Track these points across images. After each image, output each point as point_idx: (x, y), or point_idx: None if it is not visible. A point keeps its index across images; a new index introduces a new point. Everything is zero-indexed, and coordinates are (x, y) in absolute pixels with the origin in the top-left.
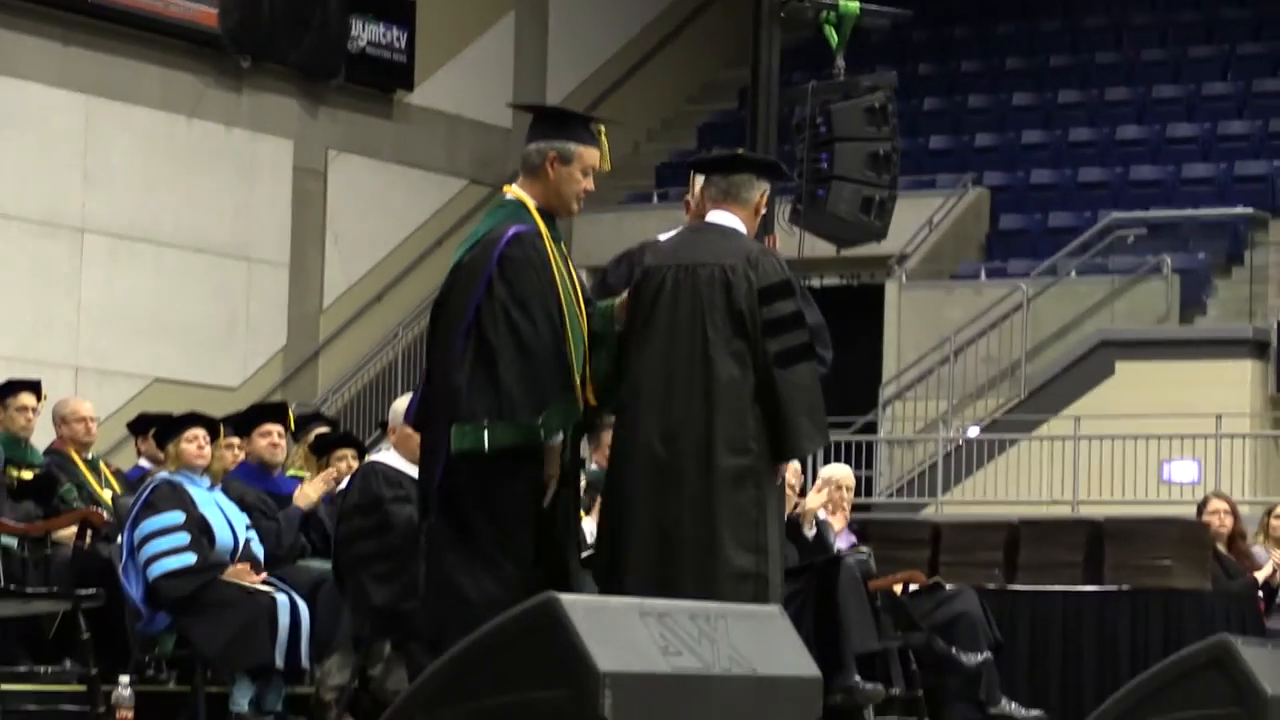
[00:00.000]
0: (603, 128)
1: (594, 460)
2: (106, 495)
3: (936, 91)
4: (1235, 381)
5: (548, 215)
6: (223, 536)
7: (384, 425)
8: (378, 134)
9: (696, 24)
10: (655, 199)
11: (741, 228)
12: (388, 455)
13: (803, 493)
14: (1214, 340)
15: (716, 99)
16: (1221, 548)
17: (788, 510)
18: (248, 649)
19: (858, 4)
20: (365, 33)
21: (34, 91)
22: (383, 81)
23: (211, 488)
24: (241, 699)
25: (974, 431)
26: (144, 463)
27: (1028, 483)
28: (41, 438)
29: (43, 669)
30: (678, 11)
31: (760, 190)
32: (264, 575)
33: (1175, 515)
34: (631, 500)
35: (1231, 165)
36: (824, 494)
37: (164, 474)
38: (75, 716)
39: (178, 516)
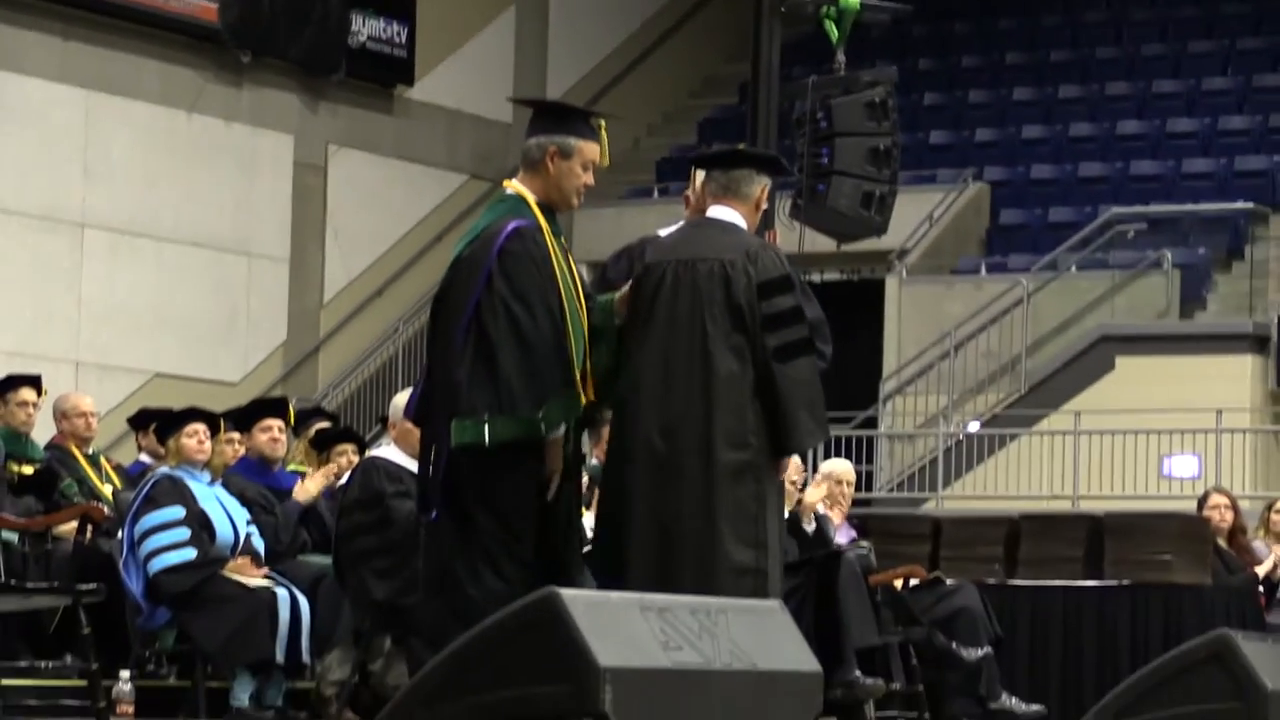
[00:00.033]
0: (603, 122)
1: (594, 455)
2: (107, 490)
3: (937, 86)
4: (1235, 376)
5: (548, 210)
6: (223, 531)
7: (384, 420)
8: (378, 129)
9: (697, 19)
10: (655, 194)
11: (742, 223)
12: (388, 450)
13: (803, 488)
14: (1214, 335)
15: (717, 94)
16: (1222, 542)
17: (789, 506)
18: (248, 644)
19: None
20: (365, 27)
21: (34, 86)
22: (383, 76)
23: (212, 483)
24: (242, 694)
25: (974, 426)
26: (144, 458)
27: (1028, 478)
28: (42, 433)
29: (43, 664)
30: (678, 6)
31: (760, 185)
32: (265, 570)
33: (1176, 510)
34: (631, 495)
35: (1232, 160)
36: (823, 488)
37: (164, 469)
38: (76, 711)
39: (178, 512)
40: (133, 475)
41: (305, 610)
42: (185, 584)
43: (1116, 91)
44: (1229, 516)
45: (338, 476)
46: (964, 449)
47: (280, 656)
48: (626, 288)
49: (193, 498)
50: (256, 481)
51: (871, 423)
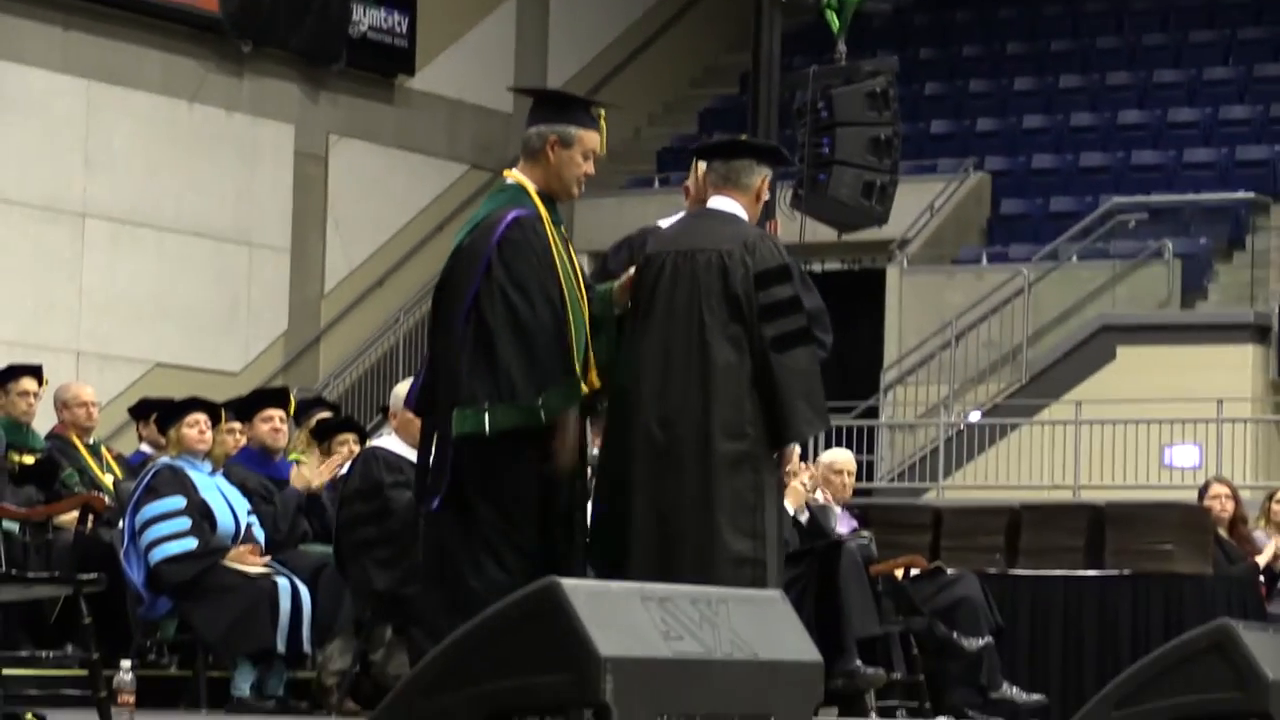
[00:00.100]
0: (602, 111)
1: (594, 445)
2: (108, 480)
3: (938, 76)
4: (1236, 366)
5: (548, 199)
6: (224, 521)
7: (385, 410)
8: (379, 119)
9: (698, 8)
10: (656, 184)
11: (742, 213)
12: (389, 440)
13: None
14: (1215, 325)
15: (718, 84)
16: (1223, 532)
17: (793, 501)
18: (249, 634)
19: None
20: (366, 17)
21: (35, 76)
22: (384, 66)
23: (213, 473)
24: (243, 683)
25: (975, 416)
26: (145, 448)
27: (1029, 467)
28: (43, 423)
29: (44, 654)
30: None
31: (761, 175)
32: (266, 559)
33: (1176, 500)
34: (631, 486)
35: (1233, 150)
36: (812, 479)
37: (165, 459)
38: (77, 701)
39: (179, 501)
40: (134, 465)
41: (306, 600)
42: (186, 574)
43: (1117, 81)
44: (1230, 506)
45: (340, 466)
46: (965, 439)
47: (281, 646)
48: (625, 276)
49: (194, 488)
50: (257, 471)
51: (872, 412)
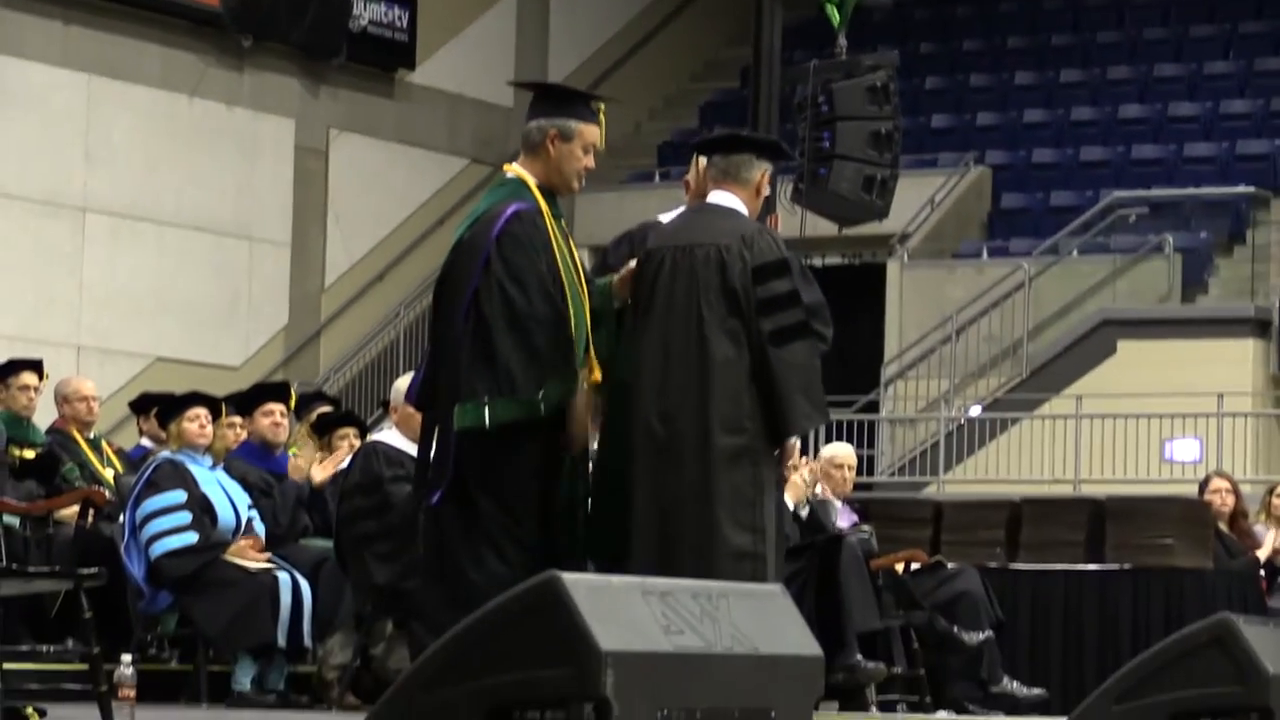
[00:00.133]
0: (602, 105)
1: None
2: (108, 474)
3: (938, 70)
4: (1237, 360)
5: (549, 193)
6: (225, 516)
7: (386, 404)
8: (379, 113)
9: (698, 2)
10: (657, 178)
11: (742, 208)
12: (389, 434)
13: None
14: (1216, 319)
15: (718, 78)
16: (1223, 526)
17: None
18: (250, 628)
19: None
20: (366, 11)
21: (35, 71)
22: (384, 60)
23: (213, 467)
24: (244, 678)
25: (976, 410)
26: (146, 442)
27: (1029, 462)
28: (43, 417)
29: (45, 648)
30: None
31: (761, 170)
32: (267, 555)
33: (1177, 494)
34: (631, 481)
35: (1233, 144)
36: (811, 473)
37: (166, 453)
38: (77, 695)
39: (179, 496)
40: (134, 459)
41: (307, 594)
42: (187, 568)
43: (1118, 75)
44: (1230, 500)
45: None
46: (965, 433)
47: (282, 640)
48: (625, 270)
49: (194, 482)
50: (258, 466)
51: (873, 407)
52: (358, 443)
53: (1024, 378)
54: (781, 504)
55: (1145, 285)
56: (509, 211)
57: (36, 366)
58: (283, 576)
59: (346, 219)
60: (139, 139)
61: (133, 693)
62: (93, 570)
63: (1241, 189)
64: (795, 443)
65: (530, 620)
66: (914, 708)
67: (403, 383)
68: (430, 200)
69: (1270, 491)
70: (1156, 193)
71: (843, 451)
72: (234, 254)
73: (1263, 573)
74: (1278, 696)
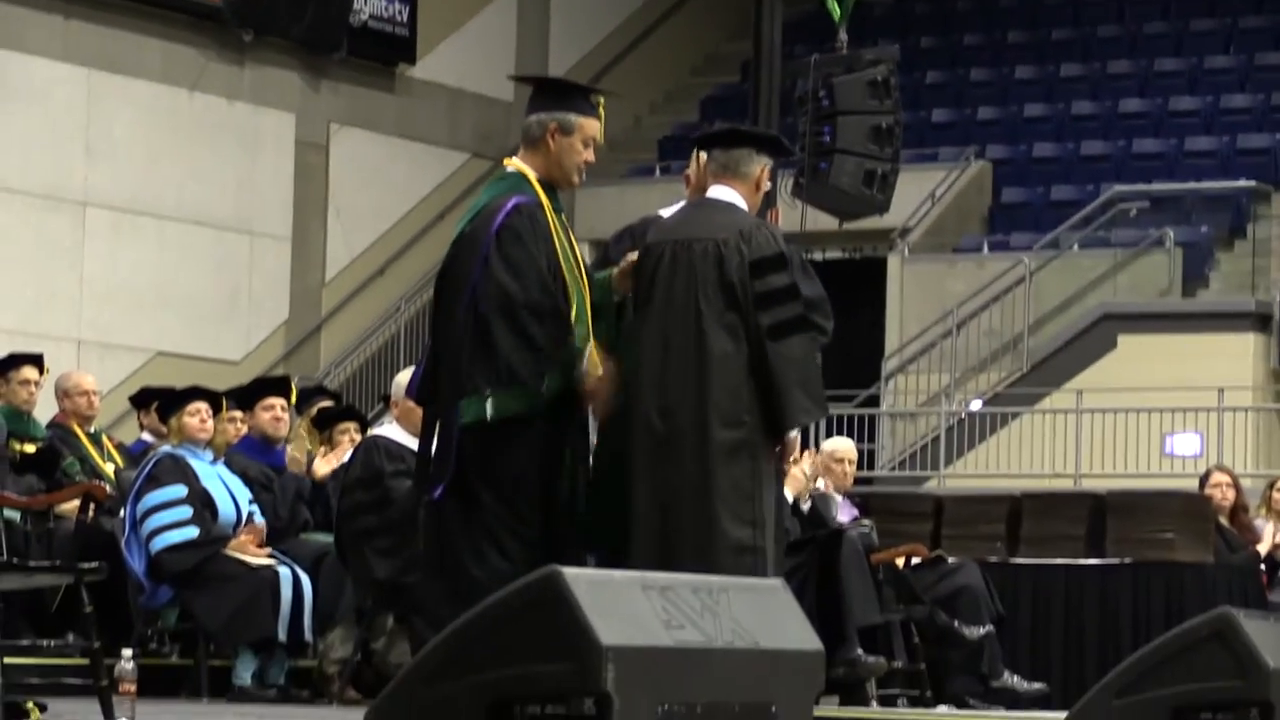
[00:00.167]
0: (602, 99)
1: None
2: (109, 469)
3: (939, 65)
4: (1237, 355)
5: (549, 187)
6: (225, 510)
7: (386, 399)
8: (380, 107)
9: None
10: (657, 172)
11: (741, 203)
12: (390, 429)
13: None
14: (1216, 313)
15: (719, 72)
16: (1224, 521)
17: (793, 488)
18: (250, 622)
19: None
20: (367, 6)
21: (36, 65)
22: (385, 55)
23: (214, 461)
24: (244, 672)
25: (976, 405)
26: (146, 436)
27: (1030, 456)
28: (44, 411)
29: (45, 642)
30: None
31: (760, 165)
32: (268, 550)
33: (1177, 488)
34: (631, 475)
35: (1234, 138)
36: (811, 466)
37: (167, 448)
38: (78, 690)
39: (180, 490)
40: (135, 454)
41: (308, 589)
42: (187, 562)
43: (1118, 70)
44: (1231, 495)
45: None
46: (966, 427)
47: (283, 635)
48: (625, 262)
49: (195, 476)
50: (259, 460)
51: (873, 401)
52: (358, 437)
53: (1024, 372)
54: (781, 498)
55: (1146, 279)
56: (509, 205)
57: (37, 361)
58: (283, 571)
59: (347, 213)
60: (140, 133)
61: (133, 687)
62: (93, 565)
63: (1242, 183)
64: (795, 437)
65: (531, 615)
66: (914, 702)
67: (403, 377)
68: (431, 195)
69: (1271, 486)
70: (1157, 187)
71: (843, 446)
72: (235, 248)
73: (1263, 567)
74: (1278, 690)
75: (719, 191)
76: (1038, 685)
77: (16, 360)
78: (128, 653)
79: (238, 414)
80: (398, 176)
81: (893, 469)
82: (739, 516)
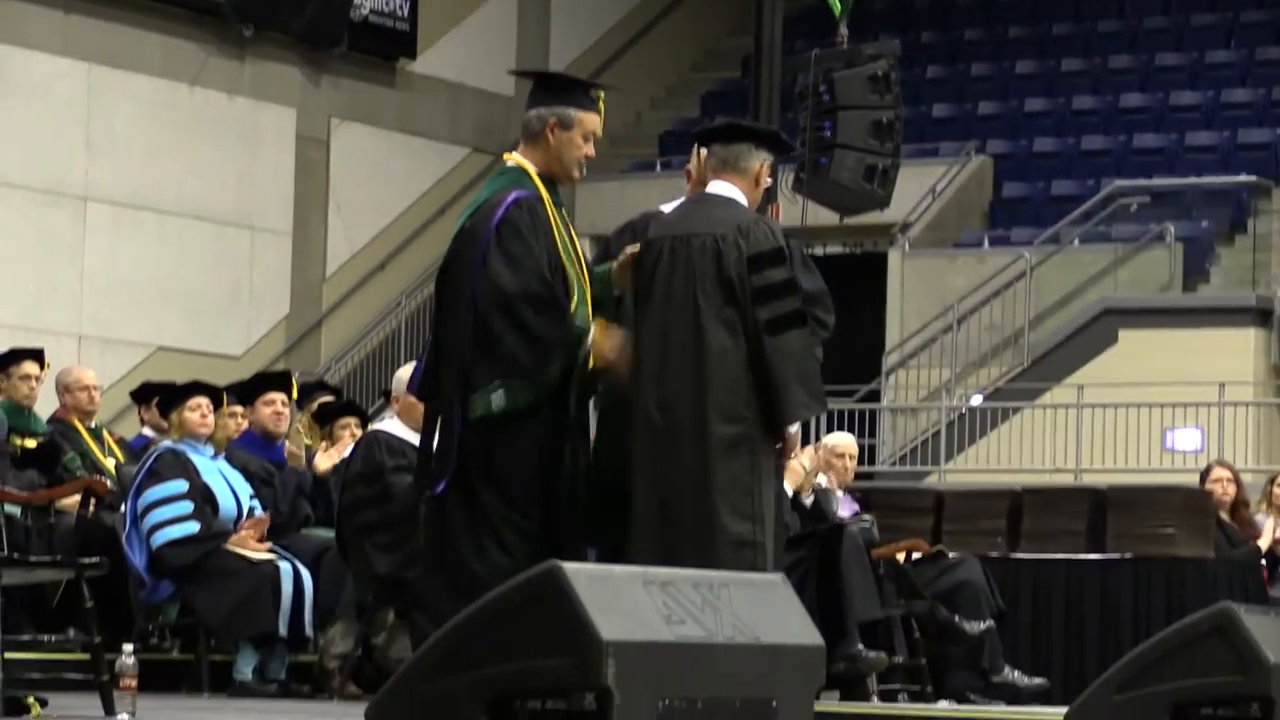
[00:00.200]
0: (602, 94)
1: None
2: (110, 464)
3: (939, 59)
4: (1238, 350)
5: (549, 182)
6: (226, 505)
7: (387, 394)
8: (380, 102)
9: None
10: (658, 167)
11: (740, 198)
12: (391, 424)
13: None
14: (1217, 308)
15: (720, 67)
16: (1224, 516)
17: (793, 483)
18: (251, 617)
19: None
20: (368, 1)
21: (37, 60)
22: (385, 49)
23: (215, 456)
24: (245, 667)
25: (977, 400)
26: (147, 431)
27: (1031, 451)
28: (45, 406)
29: (46, 637)
30: None
31: (760, 160)
32: (268, 544)
33: (1178, 483)
34: (631, 470)
35: (1235, 133)
36: (810, 459)
37: (167, 443)
38: (79, 685)
39: (181, 485)
40: (135, 449)
41: (308, 584)
42: (188, 557)
43: (1119, 64)
44: (1231, 490)
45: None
46: (966, 422)
47: (283, 630)
48: (624, 255)
49: (196, 471)
50: (259, 455)
51: (874, 396)
52: (359, 432)
53: (1025, 367)
54: (781, 492)
55: (1147, 274)
56: (509, 199)
57: (38, 356)
58: (284, 566)
59: (348, 208)
60: (140, 128)
61: (134, 682)
62: (94, 560)
63: (1243, 178)
64: (796, 432)
65: (532, 610)
66: (915, 697)
67: (404, 372)
68: (432, 189)
69: (1271, 481)
70: (1158, 182)
71: (844, 441)
72: (235, 243)
73: (1264, 562)
74: (1279, 686)
75: (718, 187)
76: (1038, 680)
77: (17, 355)
78: (128, 648)
79: (238, 409)
80: (398, 171)
81: (893, 464)
82: (738, 511)
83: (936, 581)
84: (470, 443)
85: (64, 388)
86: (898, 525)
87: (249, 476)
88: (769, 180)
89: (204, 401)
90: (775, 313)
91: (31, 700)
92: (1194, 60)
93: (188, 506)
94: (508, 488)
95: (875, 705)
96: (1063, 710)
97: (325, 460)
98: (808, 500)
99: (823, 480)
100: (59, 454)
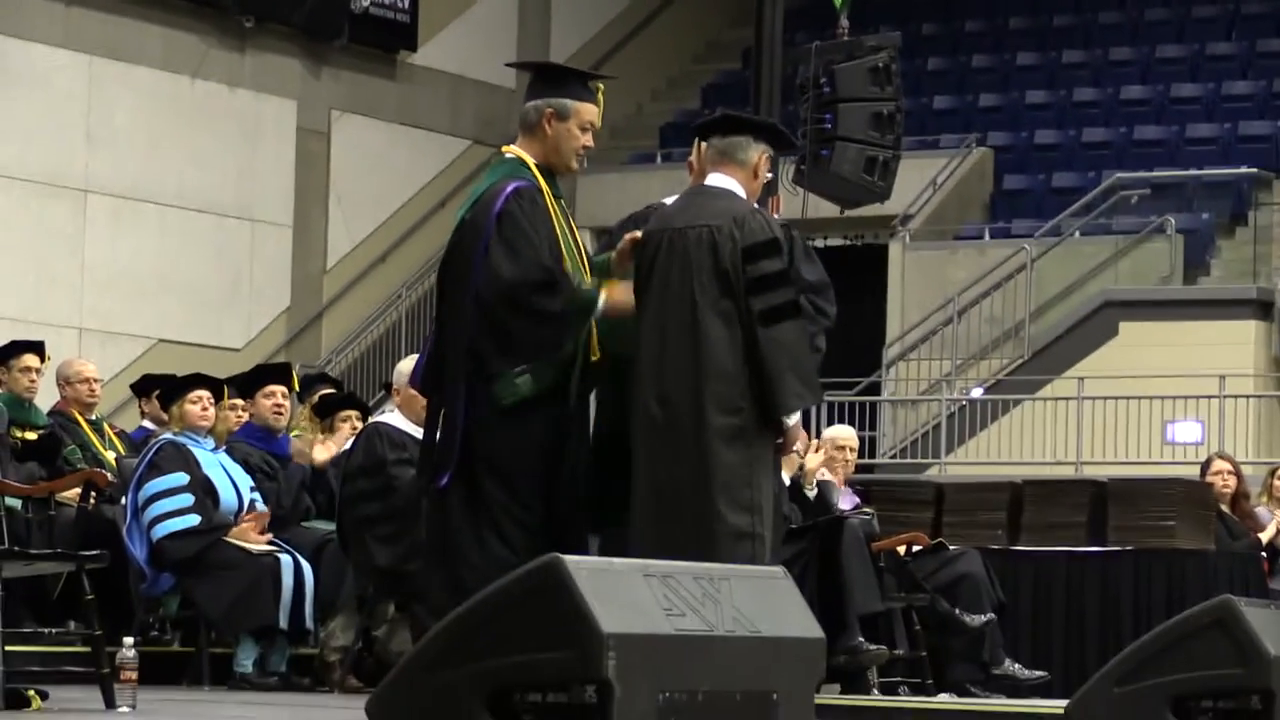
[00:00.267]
0: (600, 84)
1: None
2: (110, 456)
3: (940, 51)
4: (1239, 342)
5: (548, 173)
6: (227, 498)
7: (388, 386)
8: (381, 94)
9: None
10: (659, 159)
11: (738, 189)
12: (392, 416)
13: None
14: (1218, 300)
15: (721, 59)
16: (1225, 508)
17: (789, 472)
18: (251, 610)
19: None
20: None
21: (38, 52)
22: (386, 42)
23: (215, 449)
24: (245, 660)
25: (978, 392)
26: (148, 424)
27: (1031, 443)
28: (45, 399)
29: (47, 630)
30: None
31: (758, 152)
32: (269, 536)
33: (1179, 476)
34: (632, 462)
35: (1235, 125)
36: (822, 454)
37: (168, 435)
38: (79, 677)
39: (182, 478)
40: (136, 441)
41: (309, 576)
42: (189, 550)
43: (1120, 56)
44: (1232, 482)
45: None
46: (967, 415)
47: (284, 623)
48: (623, 242)
49: (196, 464)
50: (260, 448)
51: (874, 388)
52: (360, 425)
53: (1026, 359)
54: (780, 484)
55: (1147, 266)
56: (508, 190)
57: (38, 348)
58: (285, 559)
59: (348, 200)
60: (141, 120)
61: (135, 674)
62: (95, 552)
63: (1243, 170)
64: (797, 423)
65: (532, 603)
66: (916, 690)
67: (405, 364)
68: (432, 182)
69: (1272, 473)
70: (1158, 174)
71: (844, 433)
72: (236, 235)
73: (1264, 554)
74: (1279, 678)
75: (716, 179)
76: (1039, 673)
77: (18, 348)
78: (129, 640)
79: (239, 401)
80: (399, 163)
81: (894, 456)
82: (737, 503)
83: (937, 574)
84: (474, 436)
85: (64, 380)
86: (898, 518)
87: (249, 469)
88: (769, 173)
89: (205, 394)
90: (769, 303)
91: (32, 693)
92: (1195, 52)
93: (188, 499)
94: (511, 480)
95: (876, 698)
96: (1063, 703)
97: (322, 451)
98: (811, 493)
99: (824, 473)
100: (59, 446)
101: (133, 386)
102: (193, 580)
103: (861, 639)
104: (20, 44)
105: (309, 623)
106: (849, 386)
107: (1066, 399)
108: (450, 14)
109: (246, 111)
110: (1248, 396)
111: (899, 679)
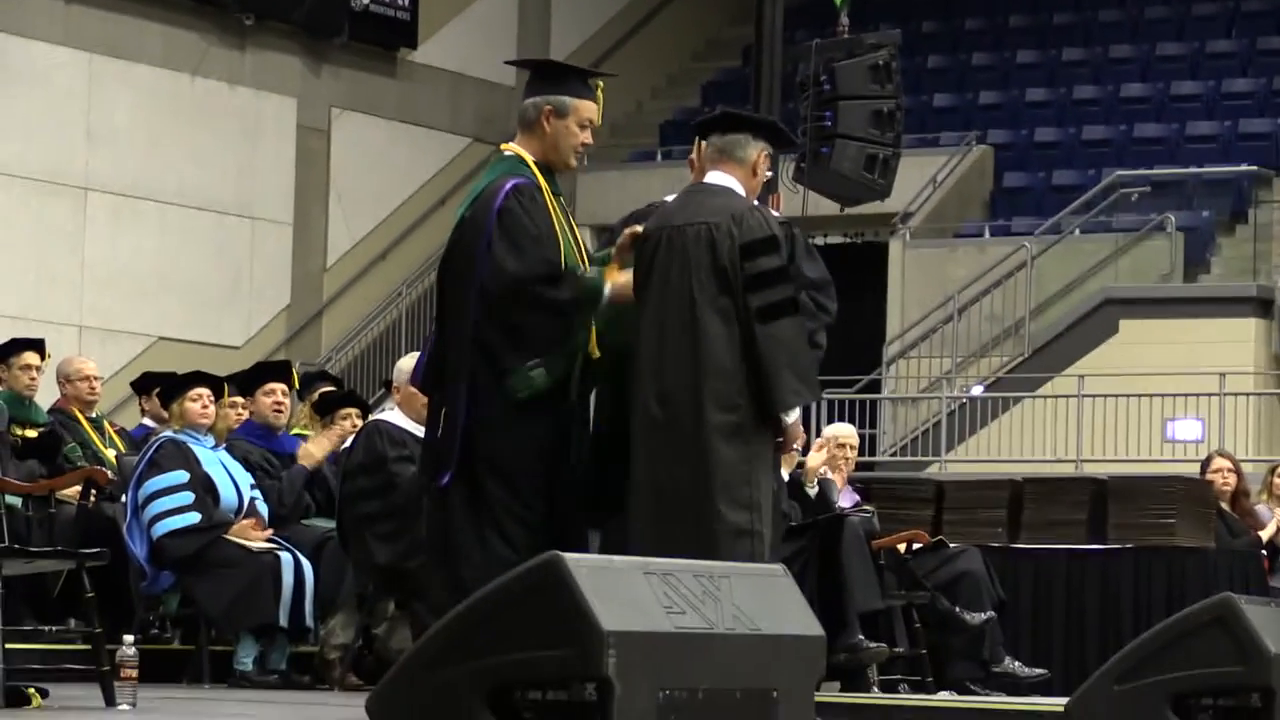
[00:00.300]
0: (600, 82)
1: None
2: (110, 454)
3: (940, 49)
4: (1239, 339)
5: (546, 170)
6: (227, 496)
7: (388, 384)
8: (381, 92)
9: None
10: (659, 157)
11: (737, 187)
12: (392, 414)
13: (804, 451)
14: (1218, 298)
15: (721, 57)
16: (1225, 506)
17: (788, 469)
18: (252, 608)
19: None
20: None
21: (38, 50)
22: (386, 39)
23: (215, 447)
24: (245, 658)
25: (978, 390)
26: (148, 422)
27: (1031, 441)
28: (45, 397)
29: (47, 628)
30: None
31: (757, 149)
32: (269, 533)
33: (1179, 474)
34: (631, 460)
35: (1236, 123)
36: (824, 452)
37: (168, 433)
38: (79, 675)
39: (182, 476)
40: (136, 439)
41: (309, 574)
42: (189, 548)
43: (1120, 54)
44: (1232, 480)
45: (342, 439)
46: (967, 412)
47: (284, 620)
48: (622, 237)
49: (196, 462)
50: (260, 445)
51: (875, 386)
52: (360, 422)
53: (1026, 357)
54: (779, 481)
55: (1147, 264)
56: (508, 186)
57: (38, 346)
58: (285, 556)
59: (348, 198)
60: (141, 118)
61: (135, 672)
62: (95, 550)
63: (1244, 168)
64: (797, 420)
65: (532, 600)
66: (916, 688)
67: (405, 362)
68: (432, 179)
69: (1272, 471)
70: (1159, 171)
71: (844, 431)
72: (236, 233)
73: (1265, 552)
74: (1279, 676)
75: (715, 176)
76: (1039, 671)
77: (18, 345)
78: (129, 638)
79: (239, 399)
80: (399, 161)
81: (894, 454)
82: (736, 500)
83: (937, 572)
84: (475, 434)
85: (64, 378)
86: (898, 516)
87: (250, 467)
88: (769, 171)
89: (205, 392)
90: (766, 300)
91: (32, 691)
92: (1195, 50)
93: (188, 497)
94: (513, 479)
95: (876, 696)
96: (1063, 700)
97: (317, 448)
98: (811, 490)
99: (824, 471)
100: (60, 444)
101: (133, 384)
102: (193, 578)
103: (861, 637)
104: (20, 42)
105: (309, 621)
106: (849, 384)
107: (1066, 397)
108: (450, 11)
109: (246, 109)
110: (1248, 394)
111: (899, 677)
